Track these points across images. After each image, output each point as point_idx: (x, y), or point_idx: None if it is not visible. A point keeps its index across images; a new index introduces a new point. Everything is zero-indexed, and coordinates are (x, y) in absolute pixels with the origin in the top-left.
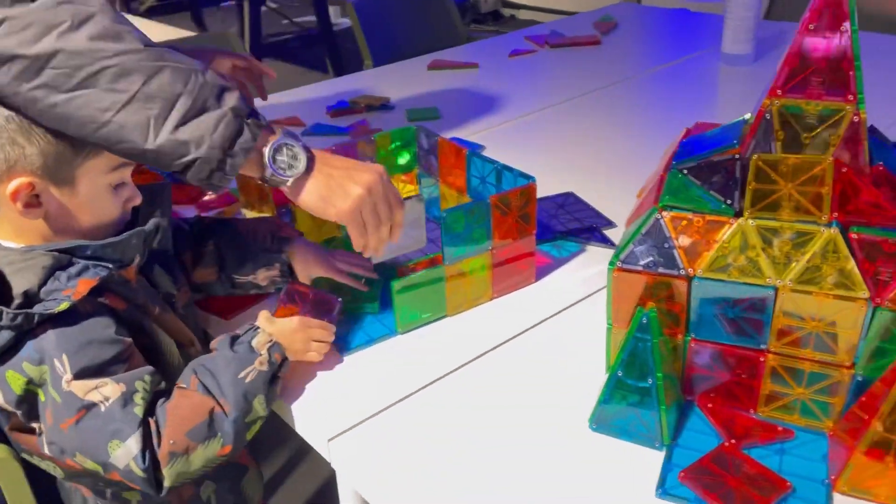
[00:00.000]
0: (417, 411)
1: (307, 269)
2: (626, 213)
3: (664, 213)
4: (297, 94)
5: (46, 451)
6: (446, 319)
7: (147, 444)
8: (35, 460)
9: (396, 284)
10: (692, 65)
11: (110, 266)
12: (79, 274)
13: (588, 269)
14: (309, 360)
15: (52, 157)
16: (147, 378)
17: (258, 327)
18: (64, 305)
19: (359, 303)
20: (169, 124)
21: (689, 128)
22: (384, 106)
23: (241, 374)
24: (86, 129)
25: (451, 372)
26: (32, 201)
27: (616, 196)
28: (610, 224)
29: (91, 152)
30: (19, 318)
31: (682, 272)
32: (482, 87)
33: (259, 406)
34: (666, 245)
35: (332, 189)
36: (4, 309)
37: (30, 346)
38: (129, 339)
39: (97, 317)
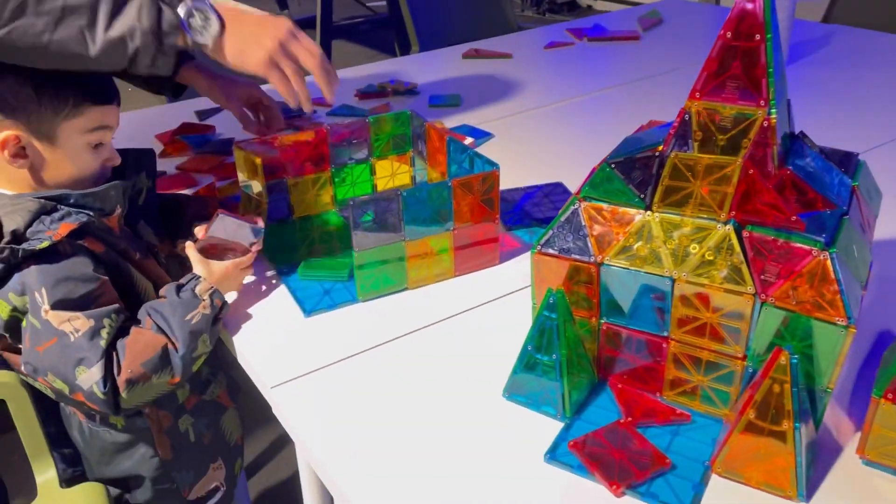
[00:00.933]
0: (359, 371)
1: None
2: None
3: (583, 203)
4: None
5: (22, 369)
6: (407, 291)
7: (108, 373)
8: (29, 380)
9: (357, 258)
10: None
11: (91, 213)
12: (61, 219)
13: None
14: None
15: (34, 113)
16: (114, 316)
17: (199, 276)
18: (45, 244)
19: (330, 271)
20: (99, 28)
21: (643, 125)
22: (411, 91)
23: (188, 317)
24: (34, 57)
25: (398, 338)
26: (19, 152)
27: None
28: None
29: (70, 113)
30: (5, 253)
31: (592, 259)
32: (511, 77)
33: (202, 344)
34: (581, 233)
35: (247, 42)
36: None
37: (15, 279)
38: (105, 278)
39: (76, 257)
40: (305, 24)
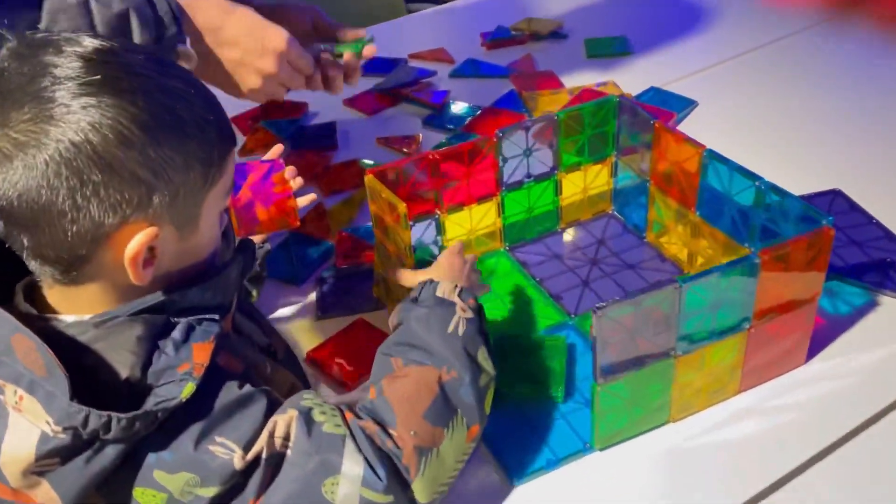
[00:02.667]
0: None
1: None
2: None
3: None
4: (443, 16)
5: None
6: (668, 427)
7: (373, 453)
8: None
9: (602, 397)
10: None
11: (216, 317)
12: (186, 338)
13: (888, 343)
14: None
15: (182, 191)
16: (307, 395)
17: (430, 280)
18: (189, 388)
19: (535, 384)
20: None
21: None
22: (555, 34)
23: (451, 329)
24: None
25: None
26: (149, 257)
27: None
28: None
29: (217, 174)
30: (137, 425)
31: None
32: (685, 5)
33: (485, 362)
34: None
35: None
36: (114, 415)
37: (153, 457)
38: (268, 388)
39: (218, 379)
40: None
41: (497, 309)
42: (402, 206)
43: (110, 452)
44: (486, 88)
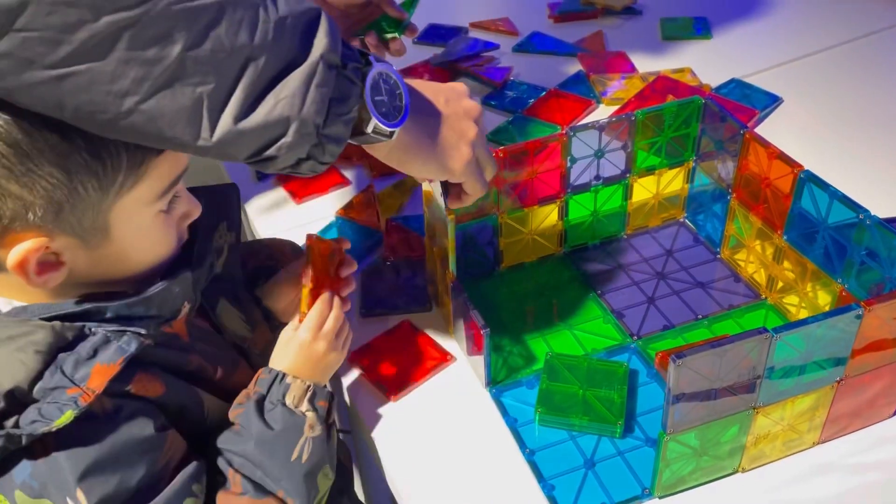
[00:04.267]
0: None
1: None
2: None
3: None
4: None
5: None
6: (736, 477)
7: None
8: None
9: (669, 449)
10: None
11: (142, 331)
12: (93, 354)
13: None
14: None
15: (67, 204)
16: (195, 487)
17: (282, 375)
18: (67, 416)
19: (591, 415)
20: (233, 107)
21: None
22: (629, 9)
23: (295, 456)
24: (91, 122)
25: None
26: (49, 261)
27: None
28: None
29: (128, 181)
30: None
31: None
32: None
33: (324, 479)
34: None
35: (440, 146)
36: None
37: (26, 470)
38: (171, 431)
39: (124, 418)
40: None
41: (552, 321)
42: (451, 214)
43: None
44: (551, 67)
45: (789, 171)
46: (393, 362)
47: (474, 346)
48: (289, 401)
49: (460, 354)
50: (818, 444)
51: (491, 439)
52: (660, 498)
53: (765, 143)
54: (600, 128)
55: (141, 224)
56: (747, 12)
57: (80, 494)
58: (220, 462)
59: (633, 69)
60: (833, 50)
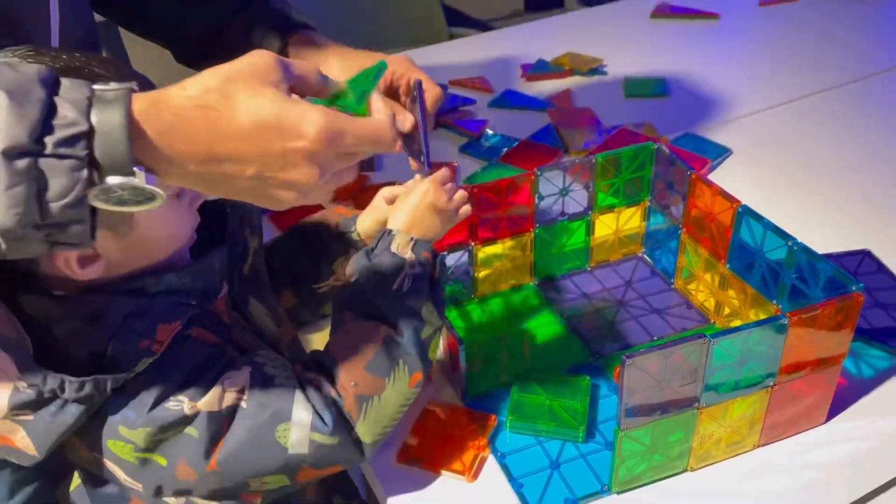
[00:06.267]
0: None
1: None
2: None
3: None
4: (483, 43)
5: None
6: (685, 475)
7: (320, 401)
8: None
9: (624, 444)
10: None
11: (193, 302)
12: (156, 318)
13: None
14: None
15: None
16: (262, 352)
17: (390, 230)
18: (144, 363)
19: (556, 422)
20: None
21: None
22: (595, 70)
23: (396, 285)
24: None
25: None
26: (87, 255)
27: None
28: None
29: None
30: (87, 388)
31: None
32: (724, 51)
33: (430, 315)
34: None
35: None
36: (66, 378)
37: (118, 416)
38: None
39: (186, 348)
40: None
41: (522, 342)
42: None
43: (73, 410)
44: (523, 120)
45: (729, 206)
46: None
47: (453, 363)
48: (393, 247)
49: (439, 372)
50: (759, 446)
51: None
52: (617, 493)
53: (708, 183)
54: (564, 168)
55: (158, 215)
56: (701, 74)
57: (174, 397)
58: (334, 307)
59: (597, 124)
60: (777, 108)
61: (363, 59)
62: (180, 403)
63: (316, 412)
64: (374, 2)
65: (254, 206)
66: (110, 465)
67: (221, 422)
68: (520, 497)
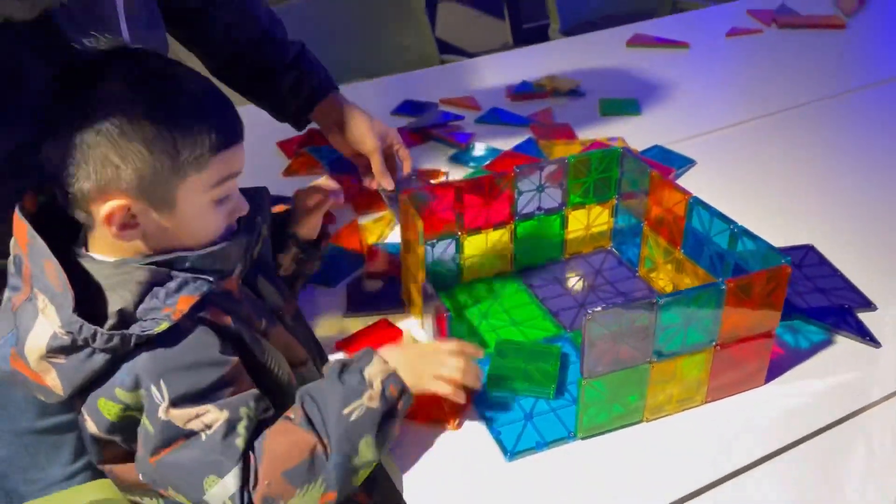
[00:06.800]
0: None
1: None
2: (892, 290)
3: None
4: (473, 69)
5: (140, 479)
6: (641, 426)
7: (244, 483)
8: (137, 497)
9: (587, 393)
10: None
11: (211, 279)
12: (178, 290)
13: (837, 374)
14: (438, 392)
15: (148, 176)
16: (252, 404)
17: (374, 353)
18: (163, 326)
19: (530, 384)
20: None
21: None
22: (574, 91)
23: (346, 410)
24: None
25: None
26: (129, 222)
27: (875, 259)
28: (867, 305)
29: (192, 169)
30: (115, 340)
31: None
32: (693, 76)
33: (367, 449)
34: None
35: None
36: (99, 329)
37: (123, 371)
38: (236, 359)
39: (199, 335)
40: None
41: (503, 318)
42: (419, 224)
43: (99, 359)
44: (507, 134)
45: (682, 198)
46: (373, 347)
47: (440, 333)
48: (366, 372)
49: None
50: (706, 402)
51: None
52: (582, 439)
53: (665, 179)
54: (541, 168)
55: (197, 206)
56: (671, 96)
57: (162, 385)
58: (298, 395)
59: (574, 137)
60: (738, 126)
61: (367, 125)
62: (161, 401)
63: (240, 486)
64: (370, 31)
65: (265, 198)
66: (87, 420)
67: (175, 437)
68: (498, 443)
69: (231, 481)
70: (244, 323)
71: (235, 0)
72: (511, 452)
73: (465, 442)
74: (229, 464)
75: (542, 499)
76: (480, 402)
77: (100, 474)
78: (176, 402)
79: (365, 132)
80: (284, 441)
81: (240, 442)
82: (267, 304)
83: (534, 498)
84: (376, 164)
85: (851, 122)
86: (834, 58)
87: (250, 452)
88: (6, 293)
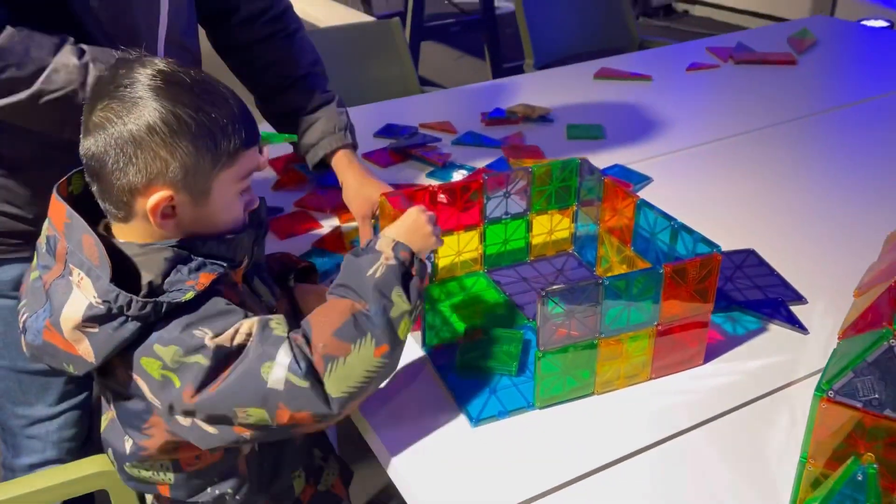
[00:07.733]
0: None
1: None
2: (821, 286)
3: None
4: (452, 96)
5: (202, 428)
6: (592, 398)
7: (297, 353)
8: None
9: (543, 364)
10: None
11: (224, 265)
12: (198, 269)
13: (769, 356)
14: (434, 247)
15: (192, 169)
16: (276, 318)
17: (379, 236)
18: (190, 295)
19: (495, 362)
20: None
21: None
22: (543, 118)
23: (370, 272)
24: None
25: (594, 472)
26: (168, 212)
27: (807, 261)
28: (799, 298)
29: (226, 162)
30: (147, 308)
31: None
32: (654, 105)
33: (399, 299)
34: None
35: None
36: (134, 297)
37: (155, 335)
38: (244, 312)
39: (218, 298)
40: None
41: (475, 312)
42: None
43: (130, 326)
44: (481, 155)
45: (631, 200)
46: None
47: (416, 322)
48: (377, 246)
49: None
50: (650, 379)
51: (425, 380)
52: (539, 408)
53: (616, 184)
54: (507, 175)
55: (226, 196)
56: (633, 123)
57: (199, 328)
58: (326, 295)
59: (543, 157)
60: (691, 148)
61: (355, 191)
62: (204, 334)
63: (295, 358)
64: (356, 64)
65: (262, 209)
66: (139, 381)
67: (229, 356)
68: (465, 412)
69: (283, 355)
70: (248, 311)
71: (283, 43)
72: (476, 419)
73: (435, 415)
74: (275, 348)
75: (505, 459)
76: (452, 380)
77: (79, 421)
78: (217, 333)
79: (352, 199)
80: (326, 310)
81: (279, 331)
82: (263, 302)
83: (497, 458)
84: (360, 229)
85: (794, 145)
86: (784, 90)
87: (293, 334)
88: (34, 273)
